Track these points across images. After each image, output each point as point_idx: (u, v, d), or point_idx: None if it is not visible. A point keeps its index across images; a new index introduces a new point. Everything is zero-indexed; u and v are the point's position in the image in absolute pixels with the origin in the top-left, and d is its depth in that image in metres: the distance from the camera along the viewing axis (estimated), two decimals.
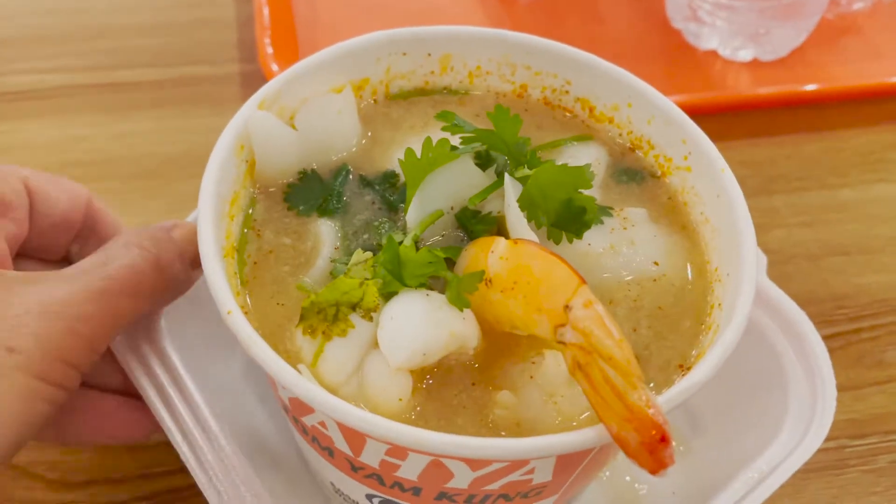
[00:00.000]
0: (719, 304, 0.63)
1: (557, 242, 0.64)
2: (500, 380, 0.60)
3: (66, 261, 0.76)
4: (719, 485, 0.70)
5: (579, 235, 0.64)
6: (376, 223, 0.66)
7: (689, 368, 0.60)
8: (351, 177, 0.69)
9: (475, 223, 0.64)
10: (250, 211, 0.67)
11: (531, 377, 0.59)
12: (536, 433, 0.57)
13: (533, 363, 0.59)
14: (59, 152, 1.04)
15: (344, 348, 0.58)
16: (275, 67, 1.06)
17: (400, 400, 0.58)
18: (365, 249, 0.63)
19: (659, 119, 0.71)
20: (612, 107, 0.73)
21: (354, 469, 0.61)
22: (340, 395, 0.58)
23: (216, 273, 0.58)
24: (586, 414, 0.58)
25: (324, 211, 0.67)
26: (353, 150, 0.71)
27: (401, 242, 0.61)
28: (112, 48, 1.16)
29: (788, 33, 1.16)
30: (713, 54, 1.18)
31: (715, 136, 1.08)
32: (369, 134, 0.72)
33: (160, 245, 0.68)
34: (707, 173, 0.68)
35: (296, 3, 1.18)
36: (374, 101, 0.75)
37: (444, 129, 0.66)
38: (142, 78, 1.13)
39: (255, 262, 0.64)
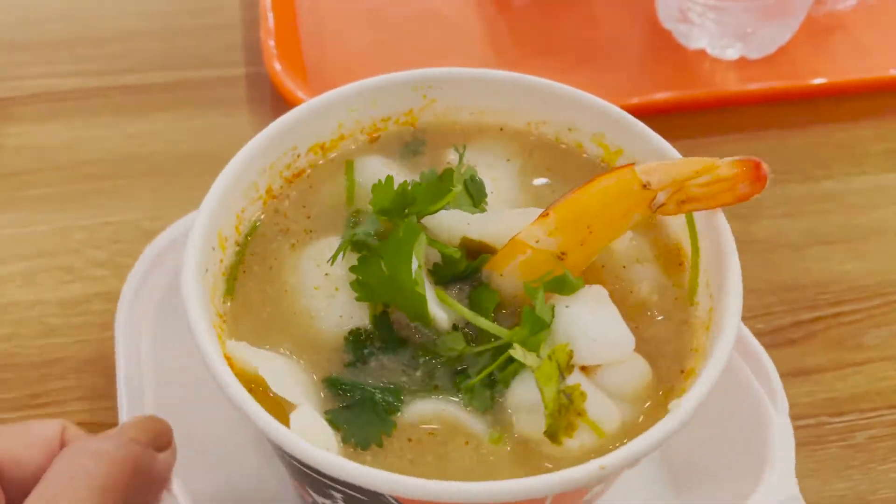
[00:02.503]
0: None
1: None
2: (622, 289, 0.67)
3: None
4: None
5: (485, 198, 0.69)
6: (422, 357, 0.62)
7: None
8: (349, 378, 0.62)
9: (453, 267, 0.65)
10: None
11: (623, 267, 0.67)
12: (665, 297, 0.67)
13: (604, 266, 0.67)
14: (73, 152, 1.09)
15: (597, 399, 0.59)
16: (277, 66, 1.11)
17: (651, 370, 0.63)
18: (447, 381, 0.62)
19: (376, 94, 0.75)
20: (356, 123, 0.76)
21: None
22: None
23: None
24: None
25: (401, 395, 0.61)
26: (316, 357, 0.64)
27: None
28: (123, 53, 1.21)
29: (775, 32, 1.20)
30: (702, 53, 1.21)
31: (703, 132, 1.14)
32: (283, 349, 0.64)
33: (106, 442, 0.58)
34: (457, 93, 0.75)
35: (299, 7, 1.23)
36: (224, 334, 0.65)
37: (353, 266, 0.62)
38: (152, 81, 1.18)
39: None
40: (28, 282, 0.96)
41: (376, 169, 0.73)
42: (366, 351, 0.63)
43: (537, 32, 1.24)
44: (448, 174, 0.66)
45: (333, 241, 0.68)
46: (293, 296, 0.66)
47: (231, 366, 0.60)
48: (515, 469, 0.58)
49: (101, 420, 0.84)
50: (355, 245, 0.64)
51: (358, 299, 0.63)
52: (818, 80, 1.16)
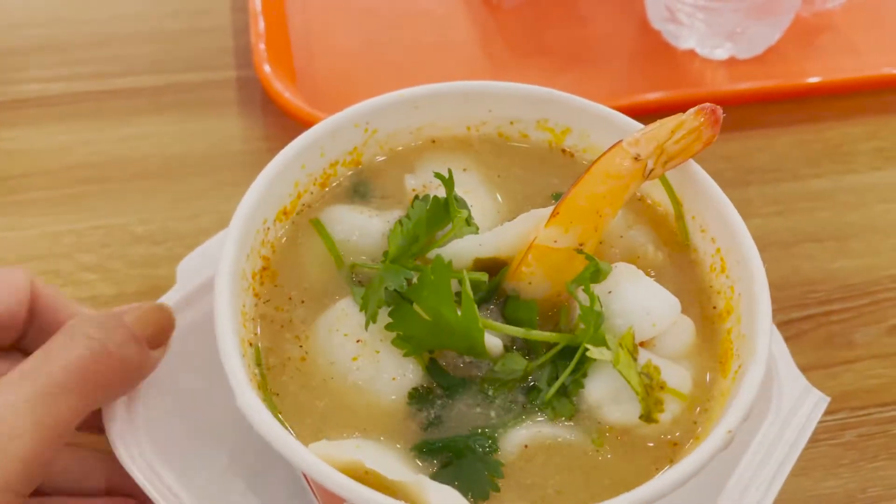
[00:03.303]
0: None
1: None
2: (630, 257, 0.70)
3: (18, 350, 0.71)
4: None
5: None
6: (489, 388, 0.62)
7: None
8: (435, 437, 0.60)
9: (477, 290, 0.64)
10: None
11: (621, 237, 0.71)
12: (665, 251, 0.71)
13: (602, 243, 0.69)
14: (63, 156, 1.09)
15: (667, 368, 0.62)
16: (267, 69, 1.11)
17: (692, 323, 0.66)
18: (525, 402, 0.62)
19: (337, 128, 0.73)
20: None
21: None
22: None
23: None
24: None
25: (492, 434, 0.60)
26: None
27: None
28: (113, 56, 1.21)
29: (764, 31, 1.20)
30: (691, 53, 1.22)
31: None
32: (357, 433, 0.61)
33: (108, 331, 0.62)
34: (394, 117, 0.75)
35: (289, 11, 1.23)
36: None
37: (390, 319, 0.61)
38: (142, 84, 1.18)
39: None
40: None
41: (343, 217, 0.70)
42: (435, 404, 0.61)
43: (527, 33, 1.24)
44: (437, 202, 0.64)
45: (345, 305, 0.64)
46: (337, 377, 0.62)
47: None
48: (629, 460, 0.60)
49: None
50: (385, 300, 0.60)
51: (406, 354, 0.60)
52: (807, 80, 1.17)
